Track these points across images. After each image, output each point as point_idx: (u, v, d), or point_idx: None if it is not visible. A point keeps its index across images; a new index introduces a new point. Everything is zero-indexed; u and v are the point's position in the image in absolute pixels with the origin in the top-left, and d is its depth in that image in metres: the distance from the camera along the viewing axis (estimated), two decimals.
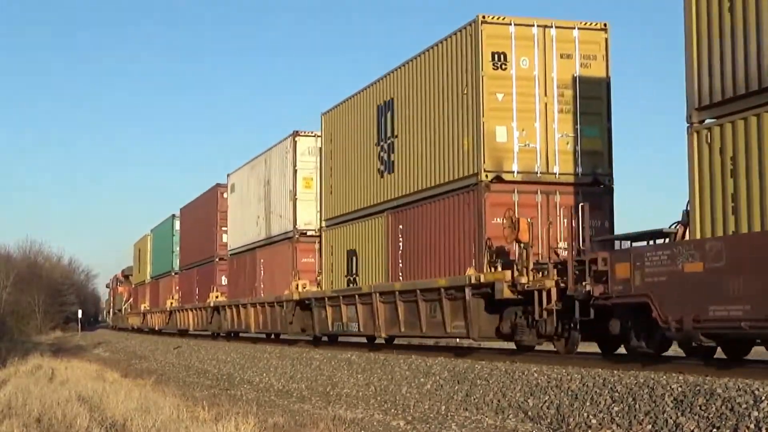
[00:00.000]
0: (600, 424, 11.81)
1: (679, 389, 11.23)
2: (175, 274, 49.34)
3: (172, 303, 48.59)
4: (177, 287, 48.23)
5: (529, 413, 13.23)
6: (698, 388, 11.02)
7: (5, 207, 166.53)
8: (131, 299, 70.53)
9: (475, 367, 15.92)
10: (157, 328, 54.94)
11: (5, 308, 66.95)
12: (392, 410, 15.41)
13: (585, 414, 12.21)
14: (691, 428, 10.47)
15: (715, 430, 10.19)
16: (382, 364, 18.91)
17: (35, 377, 22.96)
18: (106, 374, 24.91)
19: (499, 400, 14.16)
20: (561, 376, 13.54)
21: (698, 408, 10.65)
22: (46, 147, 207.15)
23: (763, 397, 10.08)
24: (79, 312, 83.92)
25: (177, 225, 49.94)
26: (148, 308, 58.58)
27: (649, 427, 11.06)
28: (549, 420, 12.75)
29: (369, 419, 14.41)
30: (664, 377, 12.07)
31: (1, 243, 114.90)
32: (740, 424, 9.94)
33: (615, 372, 13.13)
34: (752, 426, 9.81)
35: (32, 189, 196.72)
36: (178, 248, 48.86)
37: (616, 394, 12.08)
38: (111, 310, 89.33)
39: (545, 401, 13.20)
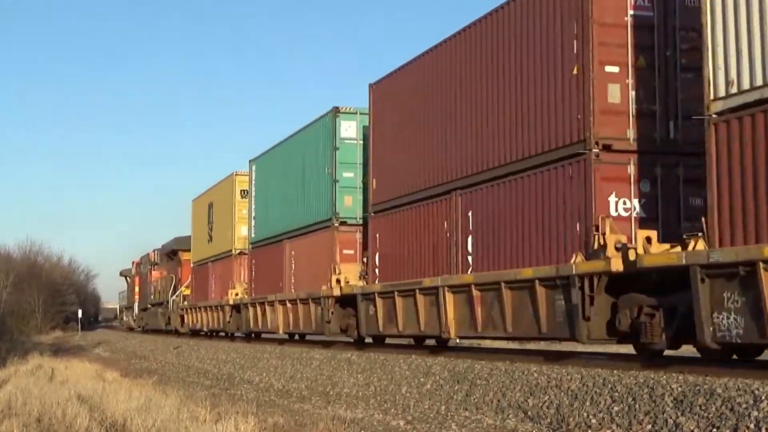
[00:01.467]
0: (600, 424, 11.81)
1: (679, 389, 11.22)
2: (343, 224, 24.66)
3: (346, 281, 23.78)
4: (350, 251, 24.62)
5: (529, 413, 13.23)
6: (698, 388, 11.02)
7: (5, 207, 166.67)
8: (187, 286, 44.60)
9: (475, 367, 15.92)
10: (281, 332, 29.15)
11: (5, 308, 66.91)
12: (392, 410, 15.41)
13: (585, 414, 12.21)
14: (691, 428, 10.47)
15: (715, 430, 10.19)
16: (382, 364, 18.91)
17: (35, 377, 22.96)
18: (106, 374, 24.92)
19: (499, 400, 14.16)
20: (561, 376, 13.53)
21: (698, 408, 10.65)
22: (44, 146, 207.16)
23: (763, 397, 10.07)
24: (79, 312, 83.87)
25: (348, 127, 24.93)
26: (244, 298, 32.46)
27: (649, 427, 11.06)
28: (549, 420, 12.75)
29: (369, 419, 14.41)
30: (664, 377, 12.07)
31: (1, 243, 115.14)
32: (740, 424, 9.94)
33: (615, 372, 13.13)
34: (752, 426, 9.81)
35: (32, 189, 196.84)
36: (360, 171, 24.49)
37: (616, 394, 12.08)
38: (135, 305, 66.65)
39: (545, 401, 13.20)
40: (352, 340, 24.45)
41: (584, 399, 12.50)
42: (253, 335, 33.82)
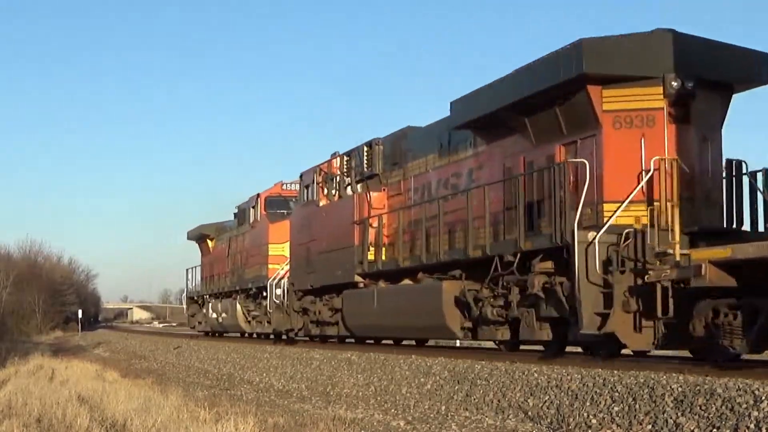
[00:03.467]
0: (600, 424, 11.81)
1: (679, 389, 11.23)
2: None
3: None
4: None
5: (529, 413, 13.23)
6: (698, 388, 11.02)
7: (5, 207, 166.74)
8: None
9: (475, 367, 15.92)
10: None
11: (5, 308, 66.97)
12: (392, 410, 15.41)
13: (585, 414, 12.21)
14: (691, 428, 10.47)
15: (715, 430, 10.18)
16: (382, 364, 18.91)
17: (35, 377, 22.98)
18: (107, 374, 24.93)
19: (499, 400, 14.16)
20: (561, 376, 13.54)
21: (698, 408, 10.65)
22: (45, 146, 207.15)
23: (763, 397, 10.08)
24: (79, 312, 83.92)
25: None
26: None
27: (649, 427, 11.06)
28: (549, 420, 12.75)
29: (369, 419, 14.41)
30: (664, 377, 12.07)
31: (1, 243, 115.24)
32: (740, 424, 9.94)
33: (615, 372, 13.13)
34: (752, 426, 9.81)
35: (32, 188, 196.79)
36: None
37: (616, 394, 12.09)
38: (279, 282, 29.44)
39: (545, 401, 13.20)
40: None
41: (584, 399, 12.51)
42: None
